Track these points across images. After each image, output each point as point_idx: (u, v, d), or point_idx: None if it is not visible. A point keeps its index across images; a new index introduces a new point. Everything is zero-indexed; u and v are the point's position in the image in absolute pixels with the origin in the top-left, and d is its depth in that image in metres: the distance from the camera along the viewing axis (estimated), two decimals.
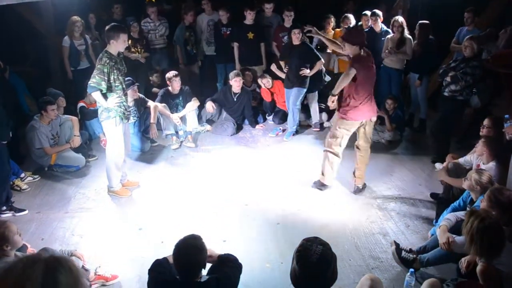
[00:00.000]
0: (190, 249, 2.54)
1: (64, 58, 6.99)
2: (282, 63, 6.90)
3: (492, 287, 2.66)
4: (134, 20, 7.38)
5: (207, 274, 2.78)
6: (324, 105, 7.30)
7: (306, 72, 6.29)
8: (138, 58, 7.33)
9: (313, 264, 2.10)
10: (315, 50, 6.38)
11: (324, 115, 7.12)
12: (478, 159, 4.45)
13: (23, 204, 4.76)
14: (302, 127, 7.05)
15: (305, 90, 6.50)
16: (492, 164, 4.23)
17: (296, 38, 6.19)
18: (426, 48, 6.37)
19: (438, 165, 5.51)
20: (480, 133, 4.69)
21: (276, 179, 5.35)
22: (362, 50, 4.60)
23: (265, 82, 7.09)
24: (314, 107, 6.97)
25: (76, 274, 1.44)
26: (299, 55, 6.30)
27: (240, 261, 2.89)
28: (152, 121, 6.12)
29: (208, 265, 2.89)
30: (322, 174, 5.05)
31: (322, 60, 6.47)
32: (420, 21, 6.43)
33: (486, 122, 4.75)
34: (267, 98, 7.25)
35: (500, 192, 3.31)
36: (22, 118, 6.16)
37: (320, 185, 5.09)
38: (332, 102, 4.77)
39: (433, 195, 4.85)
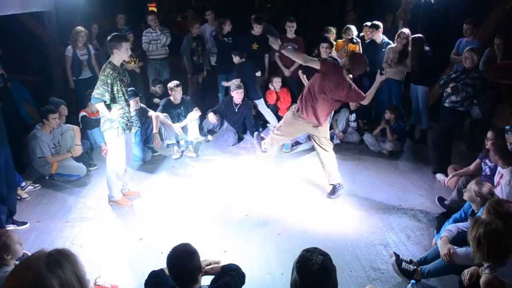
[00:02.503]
0: (181, 254, 2.54)
1: (66, 67, 7.04)
2: (287, 72, 7.03)
3: None
4: (129, 30, 7.44)
5: (210, 284, 2.77)
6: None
7: None
8: (134, 68, 7.38)
9: (314, 274, 2.10)
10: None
11: None
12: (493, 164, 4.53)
13: (23, 213, 4.76)
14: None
15: None
16: (510, 169, 4.26)
17: (325, 51, 6.35)
18: (424, 60, 6.40)
19: (440, 176, 5.52)
20: (486, 147, 4.73)
21: (277, 190, 5.35)
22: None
23: (276, 81, 7.15)
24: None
25: (78, 263, 1.47)
26: None
27: (243, 271, 2.88)
28: (154, 130, 6.14)
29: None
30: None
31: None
32: (413, 35, 6.47)
33: (489, 134, 4.78)
34: (271, 100, 7.28)
35: (498, 204, 3.31)
36: (23, 127, 6.20)
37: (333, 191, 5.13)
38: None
39: (440, 199, 4.88)
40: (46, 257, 1.42)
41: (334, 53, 7.16)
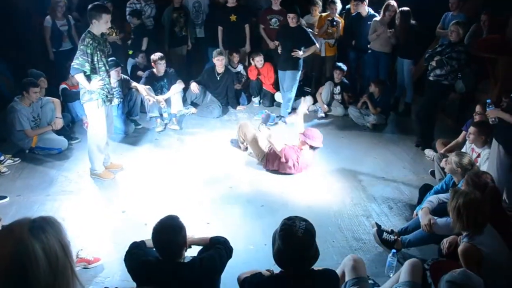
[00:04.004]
0: (168, 229, 2.52)
1: (45, 38, 6.83)
2: (272, 44, 6.96)
3: (473, 267, 2.71)
4: (108, 1, 7.22)
5: (197, 255, 2.77)
6: (309, 89, 7.31)
7: (299, 54, 6.24)
8: (116, 40, 7.18)
9: (300, 239, 2.12)
10: (310, 34, 6.34)
11: (309, 99, 7.08)
12: (471, 145, 4.54)
13: (2, 187, 4.68)
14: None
15: (299, 73, 6.47)
16: (487, 149, 4.31)
17: (292, 21, 6.16)
18: (410, 33, 6.37)
19: (428, 152, 5.53)
20: (474, 120, 4.77)
21: (261, 162, 5.33)
22: None
23: (258, 60, 7.04)
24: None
25: (63, 231, 1.44)
26: (294, 38, 6.24)
27: (231, 245, 2.89)
28: (145, 94, 6.06)
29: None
30: None
31: (317, 44, 6.43)
32: (400, 9, 6.41)
33: (477, 109, 4.83)
34: (252, 76, 7.20)
35: (476, 175, 3.40)
36: (3, 102, 6.03)
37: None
38: None
39: (432, 172, 4.93)
40: (29, 223, 1.39)
41: (316, 31, 7.09)
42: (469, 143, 4.64)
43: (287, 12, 6.31)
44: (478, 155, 4.48)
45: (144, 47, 7.32)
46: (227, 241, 2.89)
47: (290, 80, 6.43)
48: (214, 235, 2.97)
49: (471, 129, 4.48)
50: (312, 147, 5.07)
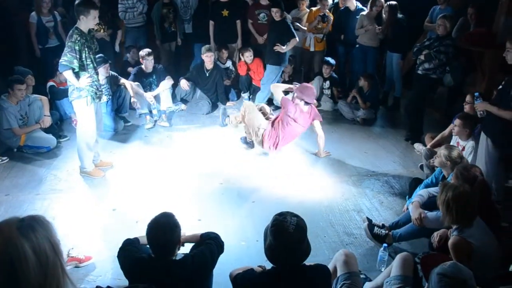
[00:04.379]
0: (164, 227, 2.51)
1: (31, 35, 6.73)
2: (260, 39, 7.03)
3: (463, 259, 2.74)
4: None
5: (189, 252, 2.77)
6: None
7: (281, 48, 6.23)
8: (104, 37, 7.11)
9: (291, 235, 2.13)
10: (292, 28, 6.33)
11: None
12: (456, 138, 4.58)
13: None
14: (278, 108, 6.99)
15: (280, 68, 6.45)
16: (471, 141, 4.36)
17: (275, 15, 6.15)
18: (397, 27, 6.40)
19: (418, 146, 5.58)
20: (464, 110, 4.82)
21: (252, 158, 5.34)
22: None
23: (247, 56, 7.00)
24: None
25: (52, 230, 1.44)
26: (277, 31, 6.25)
27: (222, 240, 2.89)
28: (132, 95, 6.04)
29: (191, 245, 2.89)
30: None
31: (297, 38, 6.42)
32: (389, 2, 6.43)
33: (467, 98, 4.88)
34: (242, 72, 7.18)
35: (465, 169, 3.44)
36: None
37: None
38: None
39: (422, 166, 4.96)
40: (18, 222, 1.39)
41: (305, 25, 7.09)
42: (454, 136, 4.68)
43: (268, 6, 6.32)
44: (463, 148, 4.52)
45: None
46: (218, 236, 2.90)
47: (268, 73, 6.44)
48: (204, 231, 2.97)
49: (457, 121, 4.52)
50: (306, 103, 5.15)
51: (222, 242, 2.87)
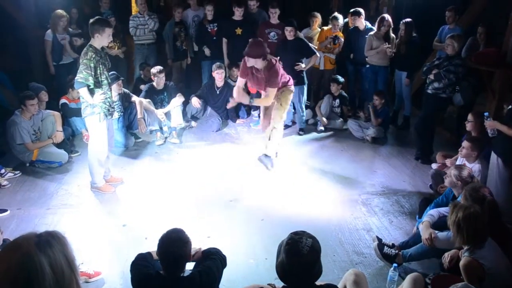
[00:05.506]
0: (175, 242, 2.53)
1: (46, 52, 6.87)
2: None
3: (474, 281, 2.71)
4: (111, 14, 7.29)
5: (193, 269, 2.78)
6: (309, 102, 7.34)
7: (302, 66, 6.29)
8: (118, 54, 7.25)
9: (305, 256, 2.11)
10: (310, 45, 6.39)
11: (309, 112, 7.14)
12: (463, 160, 4.54)
13: (3, 200, 4.68)
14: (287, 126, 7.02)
15: (305, 86, 6.55)
16: (478, 164, 4.33)
17: (289, 35, 6.23)
18: (411, 46, 6.43)
19: (434, 166, 5.50)
20: (466, 128, 4.81)
21: (261, 176, 5.35)
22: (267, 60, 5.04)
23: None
24: None
25: (68, 246, 1.47)
26: (294, 50, 6.30)
27: (224, 254, 2.92)
28: (139, 115, 6.08)
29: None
30: (266, 147, 5.38)
31: (317, 53, 6.49)
32: (405, 20, 6.48)
33: (469, 117, 4.87)
34: (252, 90, 7.22)
35: (474, 189, 3.39)
36: (2, 113, 6.05)
37: (267, 159, 5.39)
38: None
39: (431, 186, 4.94)
40: (36, 237, 1.41)
41: (316, 44, 7.16)
42: (460, 158, 4.63)
43: (285, 25, 6.37)
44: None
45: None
46: (219, 251, 2.95)
47: (297, 95, 6.43)
48: (206, 248, 3.00)
49: (465, 143, 4.44)
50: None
51: (224, 256, 2.92)
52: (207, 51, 7.32)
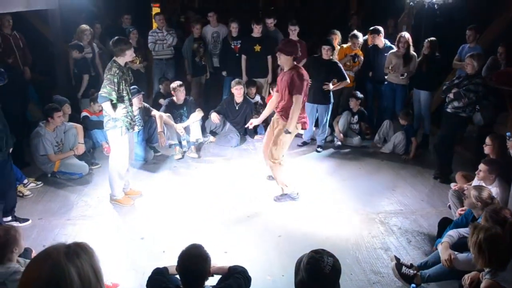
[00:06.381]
0: (195, 258, 2.55)
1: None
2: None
3: None
4: (134, 28, 7.47)
5: (216, 284, 2.79)
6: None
7: (330, 87, 6.35)
8: (140, 68, 7.39)
9: (326, 276, 2.09)
10: (343, 70, 6.46)
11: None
12: (480, 182, 4.45)
13: (25, 210, 4.77)
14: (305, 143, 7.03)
15: (331, 105, 6.62)
16: (495, 187, 4.25)
17: (326, 54, 6.31)
18: (432, 64, 6.42)
19: (453, 186, 5.44)
20: (484, 151, 4.74)
21: (279, 192, 5.34)
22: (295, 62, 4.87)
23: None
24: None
25: (95, 257, 1.51)
26: (327, 71, 6.37)
27: (249, 275, 2.90)
28: (159, 129, 6.16)
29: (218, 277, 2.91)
30: (286, 185, 5.10)
31: (348, 80, 6.58)
32: (430, 38, 6.47)
33: (487, 140, 4.79)
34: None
35: (495, 212, 3.35)
36: (26, 125, 6.21)
37: (283, 197, 5.15)
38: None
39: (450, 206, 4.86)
40: (65, 248, 1.46)
41: (335, 57, 7.20)
42: (477, 180, 4.51)
43: (322, 44, 6.44)
44: None
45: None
46: (246, 271, 2.91)
47: (322, 114, 6.57)
48: (232, 264, 2.98)
49: (481, 166, 4.33)
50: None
51: (250, 277, 2.88)
52: (224, 72, 7.51)
